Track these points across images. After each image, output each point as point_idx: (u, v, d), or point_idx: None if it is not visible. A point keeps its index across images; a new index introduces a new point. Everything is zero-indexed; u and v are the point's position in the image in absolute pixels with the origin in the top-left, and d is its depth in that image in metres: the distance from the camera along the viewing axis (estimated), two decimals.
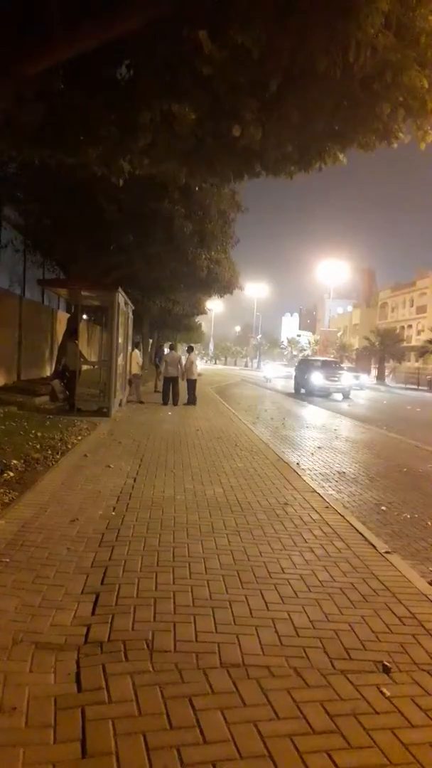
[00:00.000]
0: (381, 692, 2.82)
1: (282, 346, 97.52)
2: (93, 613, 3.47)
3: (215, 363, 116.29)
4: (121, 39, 5.74)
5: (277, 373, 49.22)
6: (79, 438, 9.96)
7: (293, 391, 31.98)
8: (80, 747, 2.30)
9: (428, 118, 6.04)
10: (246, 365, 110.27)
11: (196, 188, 14.56)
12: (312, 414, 19.88)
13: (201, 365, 37.26)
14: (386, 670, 3.02)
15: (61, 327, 21.86)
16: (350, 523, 5.76)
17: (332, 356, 58.85)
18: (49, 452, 8.39)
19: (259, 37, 5.09)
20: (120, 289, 13.87)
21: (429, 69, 5.64)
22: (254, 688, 2.77)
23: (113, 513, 5.58)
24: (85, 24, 5.51)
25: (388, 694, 2.81)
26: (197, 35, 5.09)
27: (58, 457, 8.19)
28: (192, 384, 18.27)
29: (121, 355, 15.52)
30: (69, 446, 9.08)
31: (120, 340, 14.87)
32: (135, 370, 18.29)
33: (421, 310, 64.33)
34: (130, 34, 5.66)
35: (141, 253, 19.00)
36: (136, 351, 19.37)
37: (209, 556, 4.57)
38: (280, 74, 5.51)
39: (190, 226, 18.15)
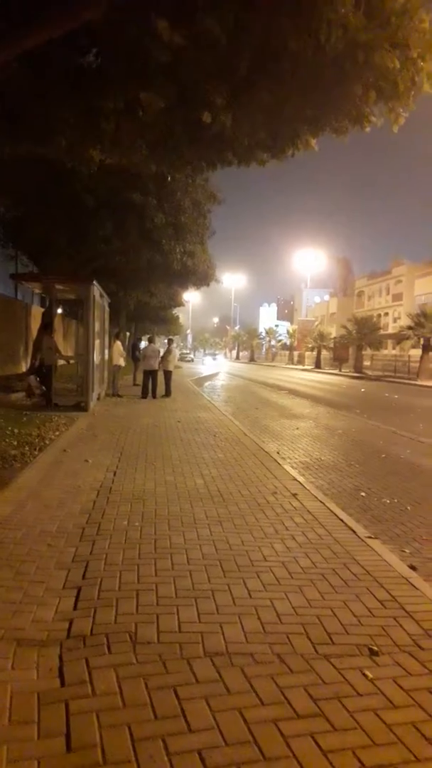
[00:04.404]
0: (364, 675, 2.85)
1: (261, 336, 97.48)
2: (75, 608, 3.44)
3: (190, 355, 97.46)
4: (88, 27, 5.65)
5: None
6: (57, 433, 9.87)
7: None
8: (65, 741, 2.28)
9: (400, 100, 6.05)
10: (225, 356, 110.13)
11: (169, 179, 14.45)
12: None
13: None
14: (373, 654, 3.05)
15: (35, 322, 21.59)
16: (331, 510, 5.80)
17: (310, 346, 59.04)
18: (27, 449, 8.30)
19: (227, 19, 5.03)
20: (95, 282, 13.73)
21: (400, 50, 5.65)
22: (238, 676, 2.78)
23: (93, 507, 5.55)
24: (49, 10, 5.40)
25: (370, 676, 2.84)
26: (159, 23, 5.03)
27: (36, 453, 8.10)
28: (168, 376, 18.26)
29: (98, 348, 15.38)
30: (47, 442, 8.99)
31: (96, 332, 14.74)
32: (117, 360, 18.07)
33: (397, 297, 64.90)
34: (97, 21, 5.57)
35: (116, 244, 18.83)
36: (118, 342, 19.14)
37: (191, 546, 4.57)
38: (250, 56, 5.47)
39: (163, 218, 18.02)
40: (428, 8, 5.81)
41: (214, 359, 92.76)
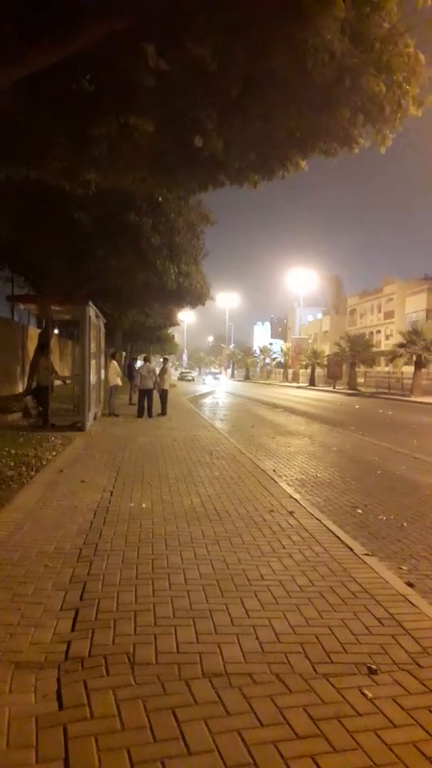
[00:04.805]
0: (363, 694, 2.84)
1: (255, 354, 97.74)
2: (73, 629, 3.43)
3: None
4: (81, 53, 5.76)
5: None
6: (54, 454, 9.85)
7: None
8: (63, 765, 2.27)
9: (387, 122, 6.19)
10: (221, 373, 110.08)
11: (159, 199, 14.62)
12: None
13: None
14: (372, 672, 3.04)
15: (32, 343, 21.61)
16: (327, 527, 5.80)
17: (305, 363, 59.18)
18: (24, 469, 8.28)
19: (216, 48, 5.15)
20: (90, 303, 13.81)
21: (385, 74, 5.80)
22: (237, 697, 2.77)
23: (90, 528, 5.53)
24: (42, 40, 5.50)
25: (370, 695, 2.83)
26: (146, 49, 5.15)
27: (33, 473, 8.08)
28: (164, 395, 18.29)
29: (94, 368, 15.40)
30: (44, 462, 8.97)
31: (92, 353, 14.78)
32: (114, 380, 18.08)
33: (389, 315, 65.40)
34: (90, 48, 5.68)
35: (112, 266, 18.96)
36: (114, 362, 19.17)
37: (188, 566, 4.56)
38: (240, 83, 5.59)
39: (158, 239, 18.20)
40: (413, 33, 5.98)
41: (216, 378, 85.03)
